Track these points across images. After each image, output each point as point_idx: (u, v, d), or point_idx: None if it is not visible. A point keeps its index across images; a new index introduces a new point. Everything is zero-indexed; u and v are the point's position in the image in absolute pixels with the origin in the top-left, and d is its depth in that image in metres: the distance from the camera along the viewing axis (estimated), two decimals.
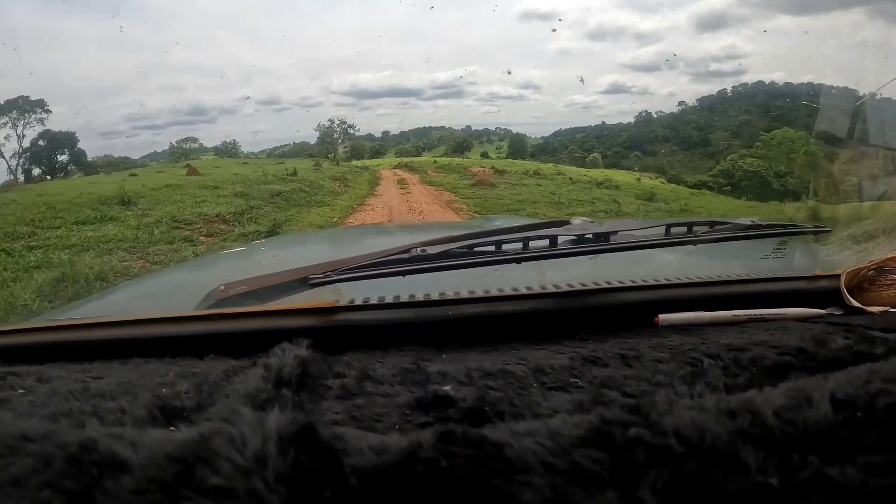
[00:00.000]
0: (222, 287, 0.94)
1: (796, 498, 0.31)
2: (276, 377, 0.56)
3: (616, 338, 0.73)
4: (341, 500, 0.31)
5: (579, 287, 0.83)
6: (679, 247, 1.09)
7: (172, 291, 1.67)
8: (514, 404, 0.55)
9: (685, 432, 0.35)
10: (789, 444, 0.34)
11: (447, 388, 0.57)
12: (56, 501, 0.31)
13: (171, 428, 0.50)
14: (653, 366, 0.63)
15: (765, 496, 0.31)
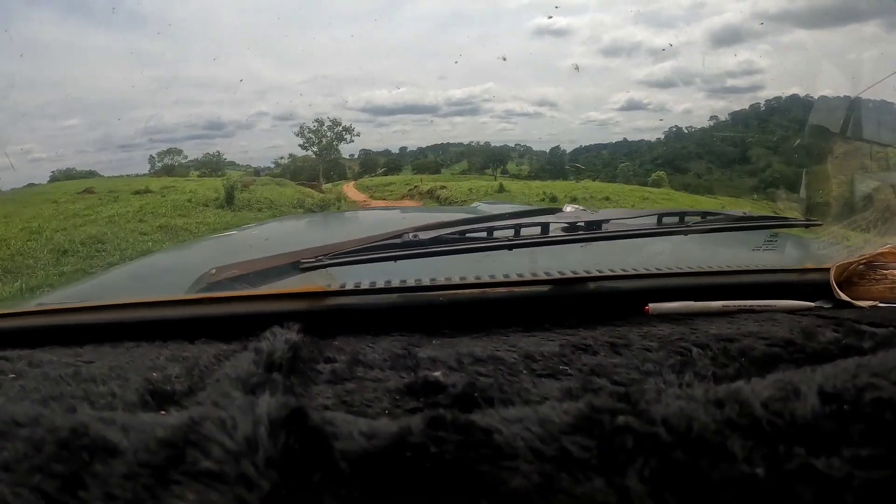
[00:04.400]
0: (213, 271, 0.94)
1: (782, 488, 0.32)
2: (267, 361, 0.56)
3: (606, 326, 0.74)
4: (331, 484, 0.31)
5: (570, 275, 0.83)
6: (671, 236, 1.09)
7: (163, 275, 1.66)
8: (503, 391, 0.55)
9: (673, 421, 0.35)
10: (776, 434, 0.34)
11: (437, 373, 0.57)
12: (47, 485, 0.31)
13: (162, 412, 0.50)
14: (642, 354, 0.63)
15: (750, 486, 0.32)
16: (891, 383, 0.36)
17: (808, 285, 0.86)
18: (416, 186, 24.92)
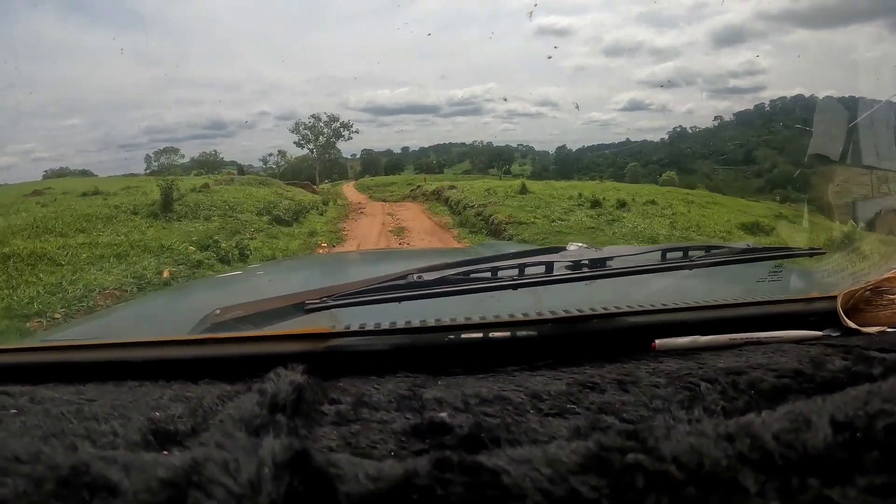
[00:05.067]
0: (218, 311, 0.94)
1: None
2: (271, 402, 0.56)
3: (613, 363, 0.73)
4: None
5: (576, 313, 0.83)
6: (675, 272, 1.09)
7: (168, 314, 1.67)
8: (510, 431, 0.55)
9: (684, 457, 0.34)
10: (789, 467, 0.34)
11: (443, 414, 0.56)
12: None
13: (165, 452, 0.50)
14: (650, 391, 0.62)
15: None
16: None
17: (815, 314, 0.85)
18: (418, 186, 22.36)
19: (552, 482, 0.34)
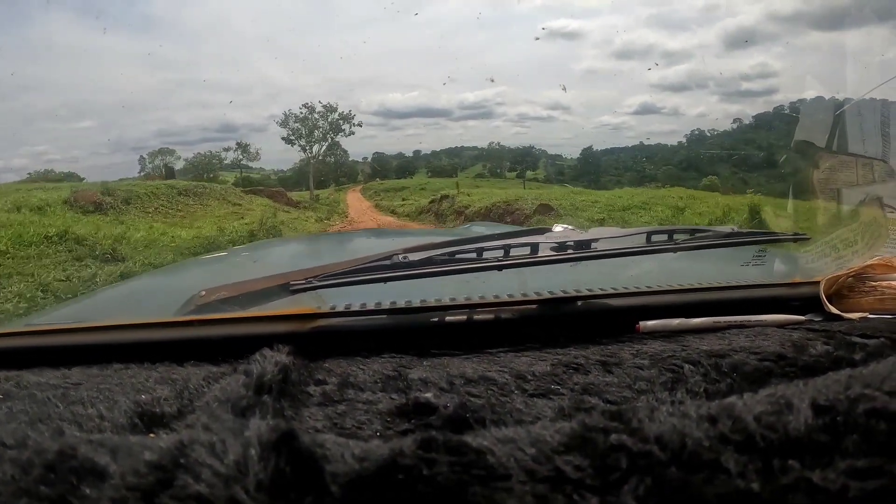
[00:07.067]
0: (203, 292, 0.93)
1: (777, 502, 0.31)
2: (257, 384, 0.56)
3: (597, 344, 0.74)
4: None
5: (560, 294, 0.83)
6: (660, 254, 1.09)
7: (153, 296, 1.65)
8: (495, 411, 0.55)
9: (666, 438, 0.35)
10: (770, 449, 0.34)
11: (428, 394, 0.56)
12: None
13: (151, 435, 0.50)
14: (634, 372, 0.63)
15: (746, 501, 0.31)
16: (883, 394, 0.36)
17: (798, 299, 0.86)
18: (444, 197, 15.78)
19: (536, 462, 0.34)
